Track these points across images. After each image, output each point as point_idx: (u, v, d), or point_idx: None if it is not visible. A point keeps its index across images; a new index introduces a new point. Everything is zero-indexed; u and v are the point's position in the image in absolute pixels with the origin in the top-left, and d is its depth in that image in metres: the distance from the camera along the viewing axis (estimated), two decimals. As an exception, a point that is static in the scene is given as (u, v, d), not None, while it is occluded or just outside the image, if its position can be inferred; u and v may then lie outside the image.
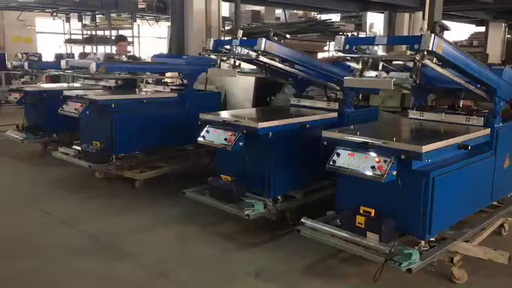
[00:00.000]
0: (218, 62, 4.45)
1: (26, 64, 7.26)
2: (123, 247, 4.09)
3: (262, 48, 4.04)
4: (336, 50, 3.37)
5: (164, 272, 3.67)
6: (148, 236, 4.35)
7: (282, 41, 4.38)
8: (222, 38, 10.58)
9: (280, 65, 4.48)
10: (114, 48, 15.28)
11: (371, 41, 3.22)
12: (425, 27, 2.97)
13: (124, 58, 7.02)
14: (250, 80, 6.96)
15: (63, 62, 6.04)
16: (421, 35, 2.95)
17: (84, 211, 4.98)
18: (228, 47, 4.43)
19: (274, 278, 3.58)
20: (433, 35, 2.92)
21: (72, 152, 6.12)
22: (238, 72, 4.33)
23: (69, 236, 4.37)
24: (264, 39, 4.03)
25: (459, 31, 21.68)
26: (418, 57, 2.96)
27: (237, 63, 4.34)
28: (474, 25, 20.32)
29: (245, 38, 4.49)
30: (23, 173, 6.54)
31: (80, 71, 6.15)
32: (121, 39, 8.37)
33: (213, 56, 4.49)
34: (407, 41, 3.06)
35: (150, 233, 4.41)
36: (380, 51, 3.28)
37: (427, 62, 2.99)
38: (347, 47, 3.32)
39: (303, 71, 4.66)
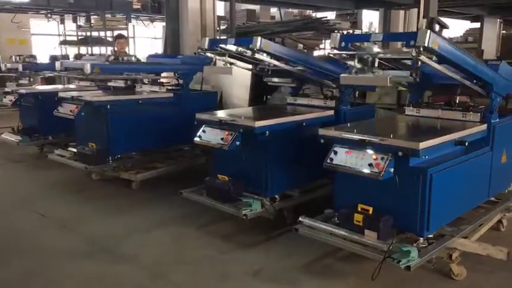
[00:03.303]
0: (214, 61, 4.43)
1: (20, 66, 7.22)
2: (121, 249, 4.07)
3: (258, 47, 4.01)
4: (331, 48, 3.35)
5: (162, 273, 3.65)
6: (146, 237, 4.33)
7: (281, 40, 4.46)
8: (218, 38, 10.57)
9: (277, 63, 4.44)
10: (109, 48, 15.30)
11: (366, 38, 3.19)
12: (424, 24, 2.96)
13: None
14: (246, 79, 6.94)
15: (57, 64, 5.99)
16: (417, 31, 2.93)
17: (80, 213, 4.95)
18: (223, 46, 4.39)
19: (273, 277, 3.56)
20: (428, 30, 2.90)
21: (68, 154, 6.10)
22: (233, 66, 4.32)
23: (65, 238, 4.34)
24: (259, 37, 4.01)
25: (454, 27, 21.71)
26: (413, 53, 2.93)
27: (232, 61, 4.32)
28: (469, 21, 20.33)
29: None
30: (19, 176, 6.51)
31: (74, 73, 6.10)
32: (119, 37, 8.43)
33: (209, 54, 4.47)
34: (403, 37, 3.05)
35: (148, 234, 4.39)
36: (376, 48, 3.27)
37: (423, 58, 2.98)
38: (343, 44, 3.30)
39: (299, 69, 4.65)
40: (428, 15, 8.92)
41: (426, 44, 2.89)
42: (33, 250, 4.06)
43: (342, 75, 3.37)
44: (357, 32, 19.08)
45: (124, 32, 15.70)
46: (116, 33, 15.77)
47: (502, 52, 17.26)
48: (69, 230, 4.52)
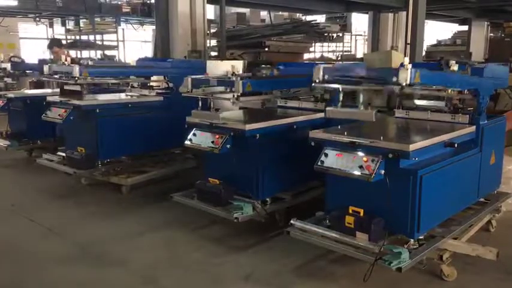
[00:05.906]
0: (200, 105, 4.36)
1: (8, 66, 7.12)
2: (111, 254, 4.04)
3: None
4: (314, 81, 3.41)
5: (153, 277, 3.62)
6: (136, 241, 4.30)
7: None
8: (208, 41, 10.56)
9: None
10: (99, 52, 15.22)
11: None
12: (407, 62, 2.99)
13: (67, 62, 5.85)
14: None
15: (45, 68, 5.92)
16: (398, 69, 2.96)
17: (70, 218, 4.90)
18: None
19: (265, 281, 3.55)
20: (409, 68, 2.92)
21: (56, 159, 6.04)
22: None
23: (55, 243, 4.29)
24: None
25: (442, 30, 21.93)
26: (397, 90, 3.03)
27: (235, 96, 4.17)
28: (457, 24, 20.58)
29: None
30: (7, 181, 6.43)
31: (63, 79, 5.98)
32: (56, 44, 7.97)
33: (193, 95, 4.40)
34: (384, 74, 3.06)
35: (138, 238, 4.36)
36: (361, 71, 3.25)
37: (407, 91, 3.23)
38: (326, 76, 3.34)
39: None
40: (417, 18, 9.02)
41: (408, 83, 2.92)
42: (22, 255, 4.00)
43: (327, 108, 3.49)
44: (346, 35, 19.25)
45: (114, 36, 15.68)
46: (103, 37, 15.70)
47: (490, 54, 17.47)
48: (58, 235, 4.47)
